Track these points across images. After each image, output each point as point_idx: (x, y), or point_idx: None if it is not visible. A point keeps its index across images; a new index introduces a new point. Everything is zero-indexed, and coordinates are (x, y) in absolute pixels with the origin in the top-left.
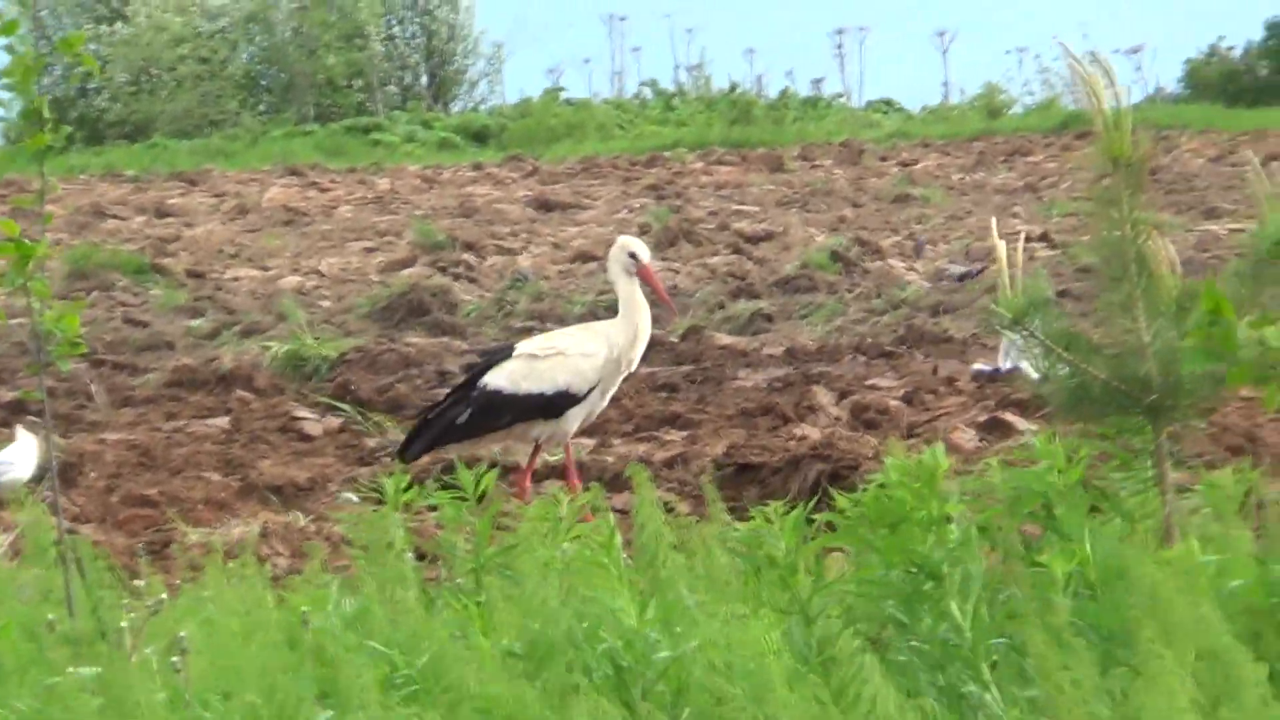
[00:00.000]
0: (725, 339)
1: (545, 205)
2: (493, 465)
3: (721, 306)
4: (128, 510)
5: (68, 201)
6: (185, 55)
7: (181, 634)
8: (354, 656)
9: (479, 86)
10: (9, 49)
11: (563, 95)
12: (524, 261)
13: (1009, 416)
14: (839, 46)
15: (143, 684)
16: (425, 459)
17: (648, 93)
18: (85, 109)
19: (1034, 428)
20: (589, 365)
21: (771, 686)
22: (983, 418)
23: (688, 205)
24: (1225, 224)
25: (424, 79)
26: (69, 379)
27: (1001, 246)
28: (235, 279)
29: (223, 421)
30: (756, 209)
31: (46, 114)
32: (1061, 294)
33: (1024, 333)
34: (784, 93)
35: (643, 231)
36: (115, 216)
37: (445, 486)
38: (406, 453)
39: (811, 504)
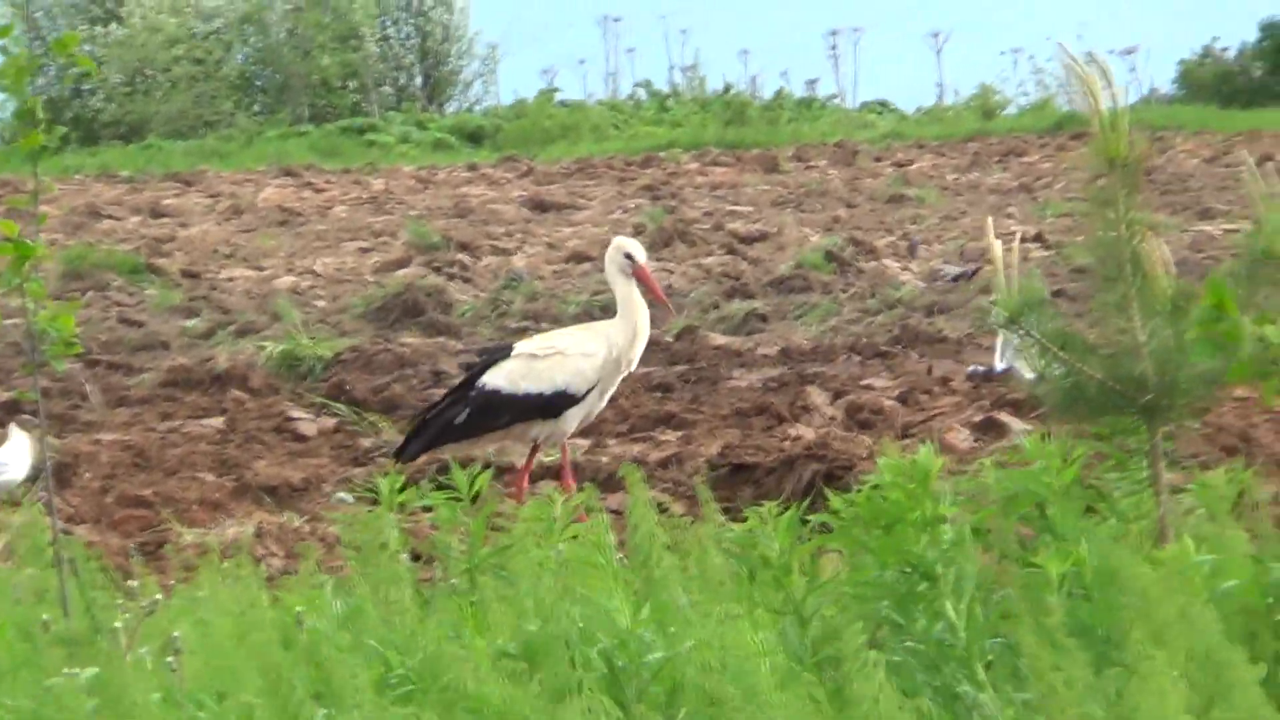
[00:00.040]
0: (720, 339)
1: (540, 206)
2: (487, 465)
3: (716, 306)
4: (122, 510)
5: (63, 202)
6: (180, 56)
7: (175, 634)
8: (348, 657)
9: (474, 87)
10: (3, 50)
11: (557, 96)
12: (519, 262)
13: (1004, 417)
14: (833, 47)
15: (138, 684)
16: (420, 459)
17: (642, 94)
18: (80, 110)
19: (1029, 428)
20: (588, 365)
21: (766, 687)
22: (978, 418)
23: (682, 206)
24: (1220, 225)
25: (419, 80)
26: (64, 379)
27: (997, 246)
28: (230, 279)
29: (217, 422)
30: (751, 209)
31: (41, 114)
32: (1056, 294)
33: (1020, 332)
34: (779, 94)
35: (637, 232)
36: (110, 217)
37: (440, 487)
38: (404, 453)
39: (806, 504)
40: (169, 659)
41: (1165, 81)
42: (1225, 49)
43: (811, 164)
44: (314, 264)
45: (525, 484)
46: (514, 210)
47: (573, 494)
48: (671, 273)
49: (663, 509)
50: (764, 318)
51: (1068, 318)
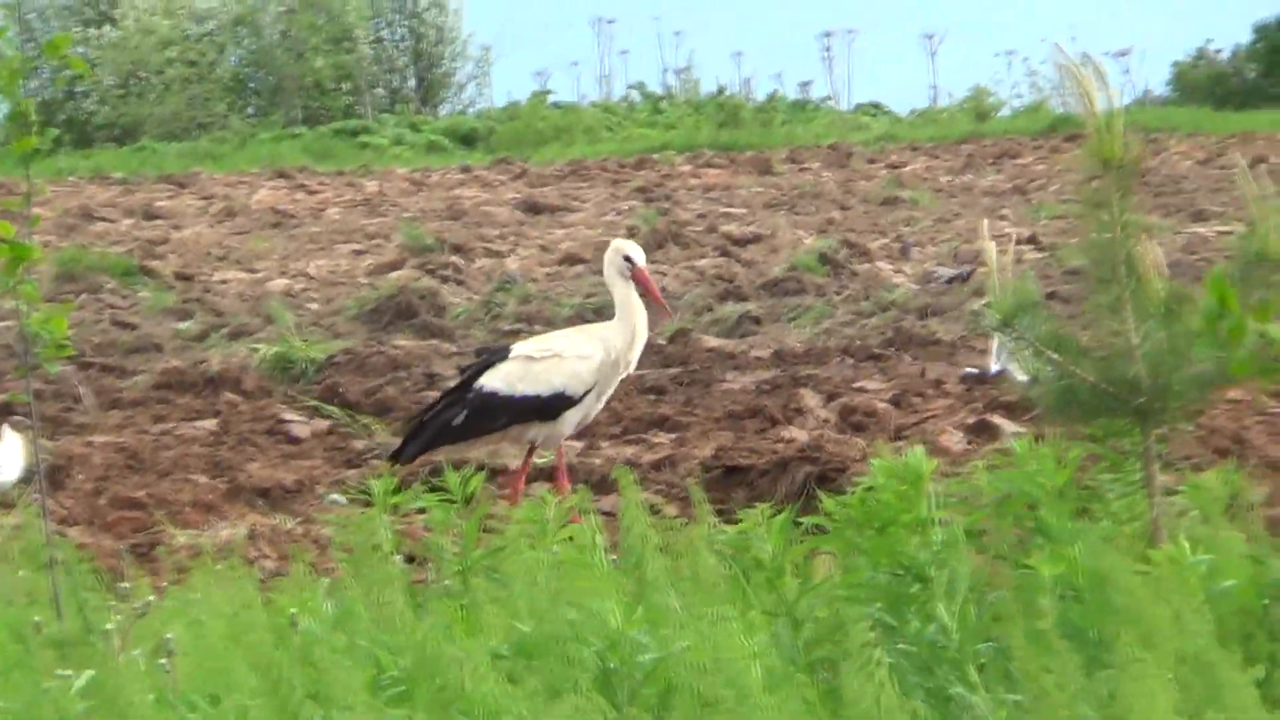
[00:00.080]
0: (713, 341)
1: (533, 208)
2: (480, 468)
3: (709, 309)
4: (115, 512)
5: (56, 204)
6: (173, 58)
7: (168, 636)
8: (341, 657)
9: (467, 89)
10: None
11: (550, 98)
12: (512, 264)
13: (997, 419)
14: (827, 49)
15: (131, 686)
16: (416, 461)
17: (636, 96)
18: (73, 112)
19: (1022, 430)
20: (585, 367)
21: (758, 688)
22: (971, 420)
23: (676, 208)
24: (1213, 226)
25: (412, 82)
26: (56, 381)
27: (990, 249)
28: (223, 281)
29: (210, 424)
30: (744, 211)
31: (34, 117)
32: (1050, 296)
33: (1013, 334)
34: (772, 95)
35: (631, 234)
36: (103, 219)
37: (433, 489)
38: (401, 455)
39: (799, 506)
40: (162, 660)
41: (1159, 83)
42: (1219, 51)
43: (805, 166)
44: (307, 266)
45: (521, 486)
46: (507, 212)
47: (567, 496)
48: (665, 275)
49: (656, 511)
50: (757, 320)
51: (1061, 320)
